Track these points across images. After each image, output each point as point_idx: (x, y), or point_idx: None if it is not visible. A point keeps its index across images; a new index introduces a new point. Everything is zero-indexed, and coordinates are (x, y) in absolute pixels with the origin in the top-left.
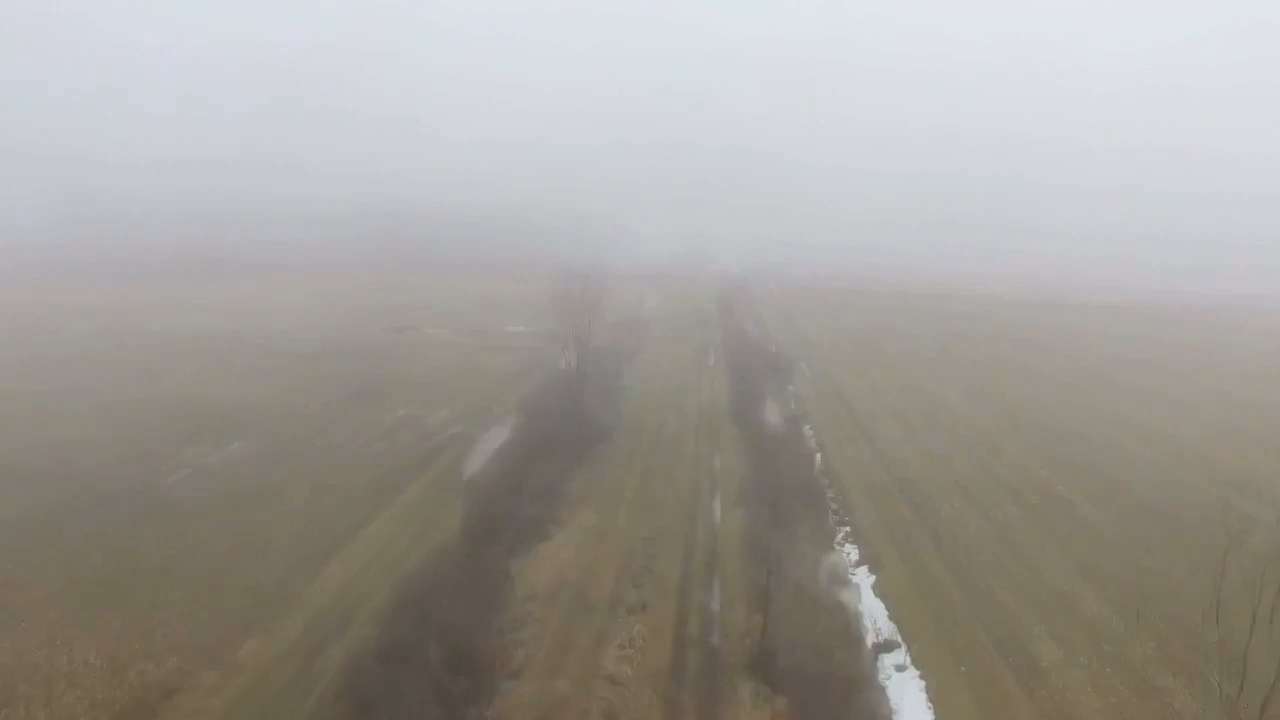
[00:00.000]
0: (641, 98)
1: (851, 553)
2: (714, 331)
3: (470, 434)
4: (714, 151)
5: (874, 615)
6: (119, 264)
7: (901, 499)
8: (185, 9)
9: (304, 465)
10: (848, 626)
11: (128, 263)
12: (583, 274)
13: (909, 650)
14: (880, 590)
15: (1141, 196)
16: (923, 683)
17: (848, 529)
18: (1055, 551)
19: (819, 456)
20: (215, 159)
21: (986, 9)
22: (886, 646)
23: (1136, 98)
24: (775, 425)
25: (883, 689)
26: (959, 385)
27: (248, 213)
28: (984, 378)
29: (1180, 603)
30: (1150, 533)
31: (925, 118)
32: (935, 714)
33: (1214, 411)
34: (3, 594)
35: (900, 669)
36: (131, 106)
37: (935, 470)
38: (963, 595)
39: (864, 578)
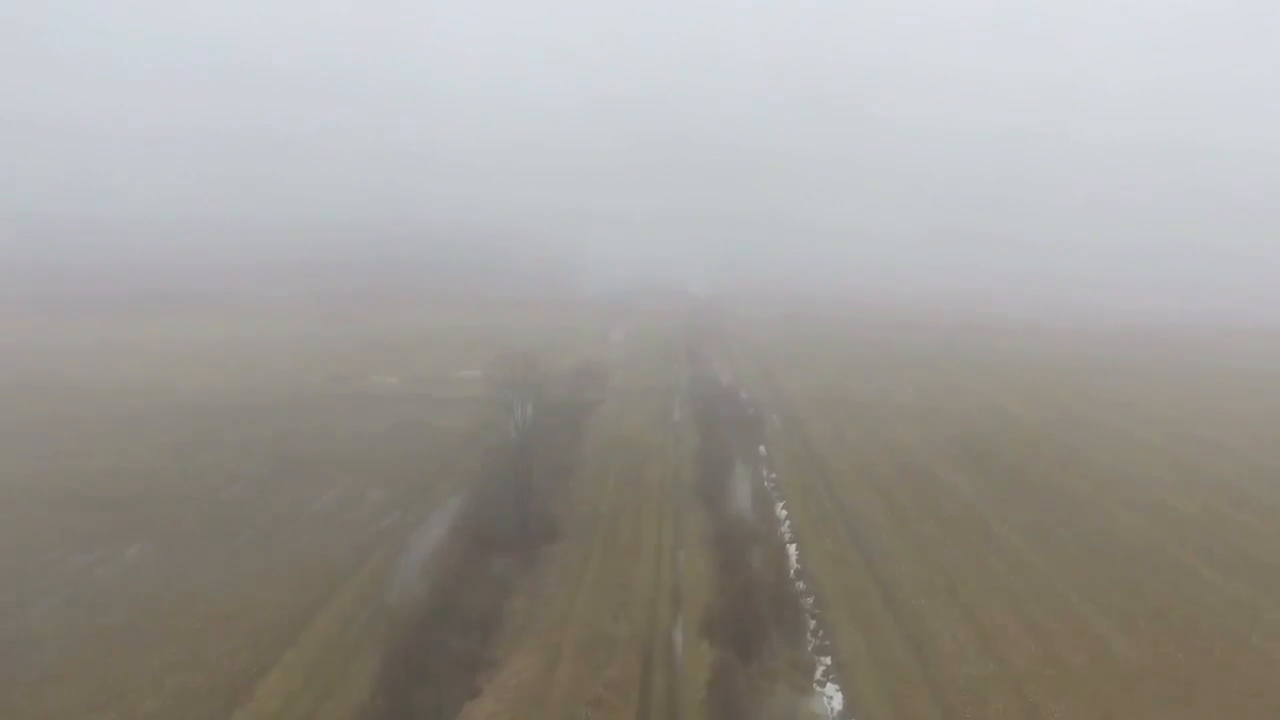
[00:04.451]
0: (631, 64)
1: (834, 698)
2: (681, 368)
3: (405, 524)
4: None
5: None
6: (60, 282)
7: (888, 615)
8: None
9: (206, 579)
10: None
11: (68, 281)
12: (546, 300)
13: None
14: None
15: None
16: None
17: (828, 661)
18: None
19: (793, 550)
20: (216, 135)
21: None
22: None
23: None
24: (745, 506)
25: None
26: (936, 435)
27: (226, 219)
28: (975, 435)
29: None
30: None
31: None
32: None
33: None
34: None
35: None
36: (133, 67)
37: (924, 570)
38: None
39: None
